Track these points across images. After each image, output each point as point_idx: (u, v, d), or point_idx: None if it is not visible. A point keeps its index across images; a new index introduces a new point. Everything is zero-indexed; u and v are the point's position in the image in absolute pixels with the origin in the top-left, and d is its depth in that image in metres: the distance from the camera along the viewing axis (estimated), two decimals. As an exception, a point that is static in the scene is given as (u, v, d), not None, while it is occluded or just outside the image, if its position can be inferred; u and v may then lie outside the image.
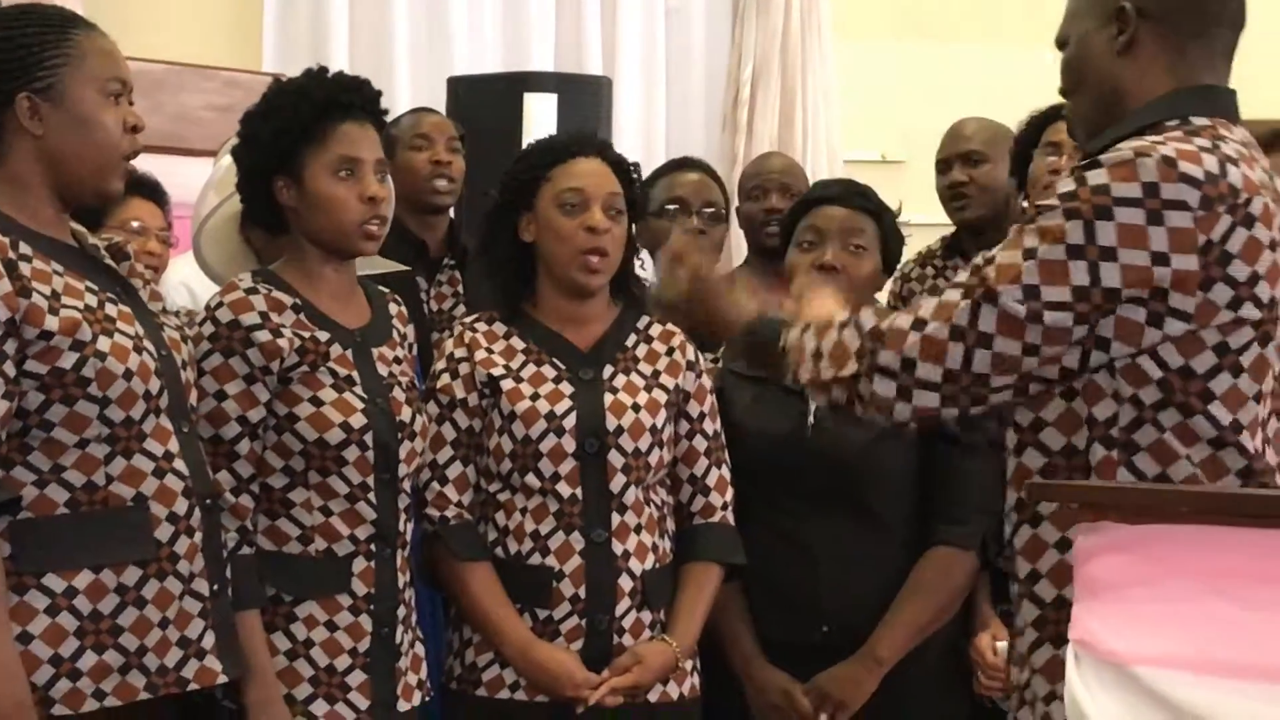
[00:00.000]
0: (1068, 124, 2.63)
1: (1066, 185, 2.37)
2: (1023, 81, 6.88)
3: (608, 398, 3.43)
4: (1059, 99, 4.31)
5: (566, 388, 3.43)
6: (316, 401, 3.15)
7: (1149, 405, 2.36)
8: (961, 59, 7.54)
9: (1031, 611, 2.49)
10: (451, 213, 4.85)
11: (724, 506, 3.53)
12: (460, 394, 3.43)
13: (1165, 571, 1.83)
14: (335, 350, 3.20)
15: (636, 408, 3.43)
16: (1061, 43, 2.58)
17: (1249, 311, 2.32)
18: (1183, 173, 2.30)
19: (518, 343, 3.48)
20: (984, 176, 4.60)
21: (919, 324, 2.42)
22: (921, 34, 7.68)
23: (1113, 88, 2.50)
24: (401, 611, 3.25)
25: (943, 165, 4.67)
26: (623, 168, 3.54)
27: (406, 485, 3.26)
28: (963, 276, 2.43)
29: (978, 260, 2.44)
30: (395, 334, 3.34)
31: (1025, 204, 4.44)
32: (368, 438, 3.17)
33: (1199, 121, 2.41)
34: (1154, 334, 2.33)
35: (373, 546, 3.19)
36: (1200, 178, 2.31)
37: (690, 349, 3.56)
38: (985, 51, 7.52)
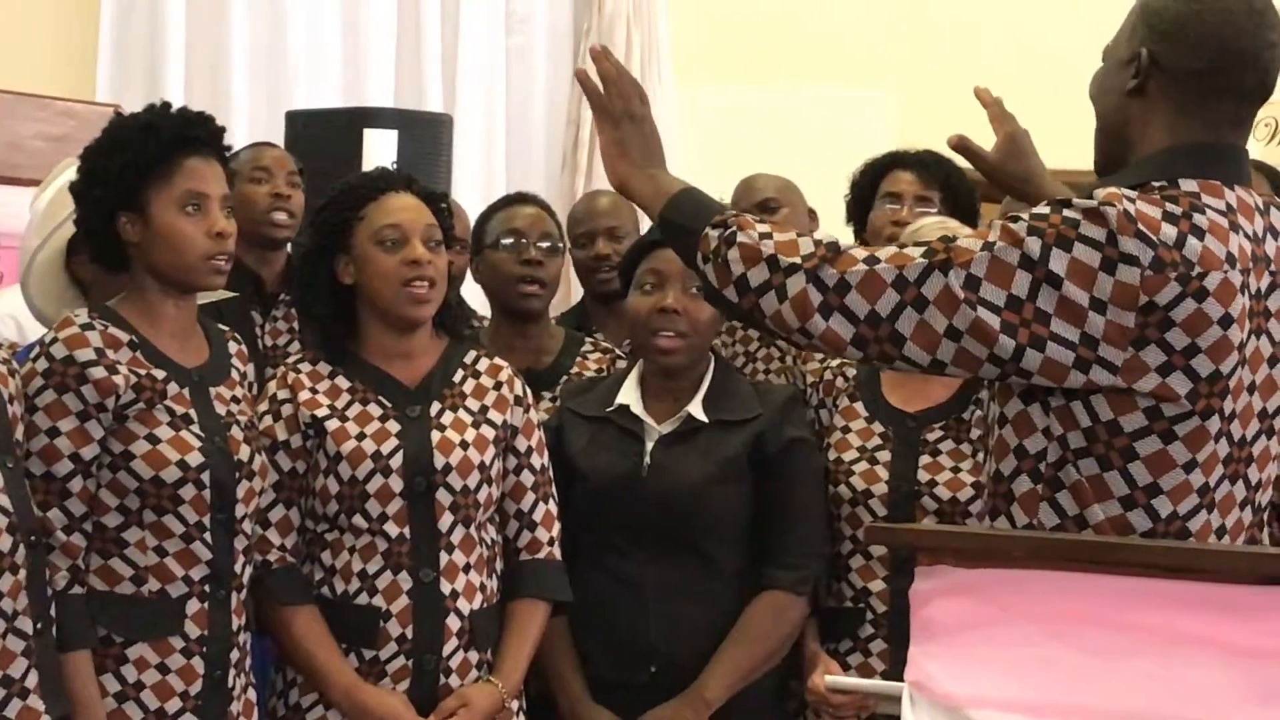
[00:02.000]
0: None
1: (1041, 209, 2.40)
2: (860, 124, 7.00)
3: (435, 435, 3.41)
4: (895, 144, 4.39)
5: (393, 426, 3.41)
6: (153, 439, 3.12)
7: (1073, 449, 2.39)
8: (800, 102, 7.61)
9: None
10: (289, 248, 4.81)
11: (550, 542, 3.52)
12: (282, 436, 3.40)
13: (1002, 615, 1.84)
14: (172, 388, 3.16)
15: (465, 445, 3.42)
16: (1104, 55, 2.59)
17: (1177, 381, 2.35)
18: (1139, 230, 2.33)
19: (343, 382, 3.45)
20: (784, 221, 4.65)
21: (872, 259, 2.42)
22: (761, 78, 7.75)
23: (1119, 126, 2.52)
24: (235, 655, 3.21)
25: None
26: (434, 200, 3.53)
27: (245, 526, 3.23)
28: (932, 238, 2.45)
29: (949, 234, 2.46)
30: (235, 373, 3.31)
31: None
32: (204, 476, 3.13)
33: (1186, 186, 2.43)
34: (1078, 376, 2.35)
35: (207, 588, 3.15)
36: (1155, 240, 2.33)
37: (518, 383, 3.55)
38: (824, 95, 7.60)
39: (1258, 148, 7.89)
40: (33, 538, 2.90)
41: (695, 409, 3.62)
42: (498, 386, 3.52)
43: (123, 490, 3.10)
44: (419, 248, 3.41)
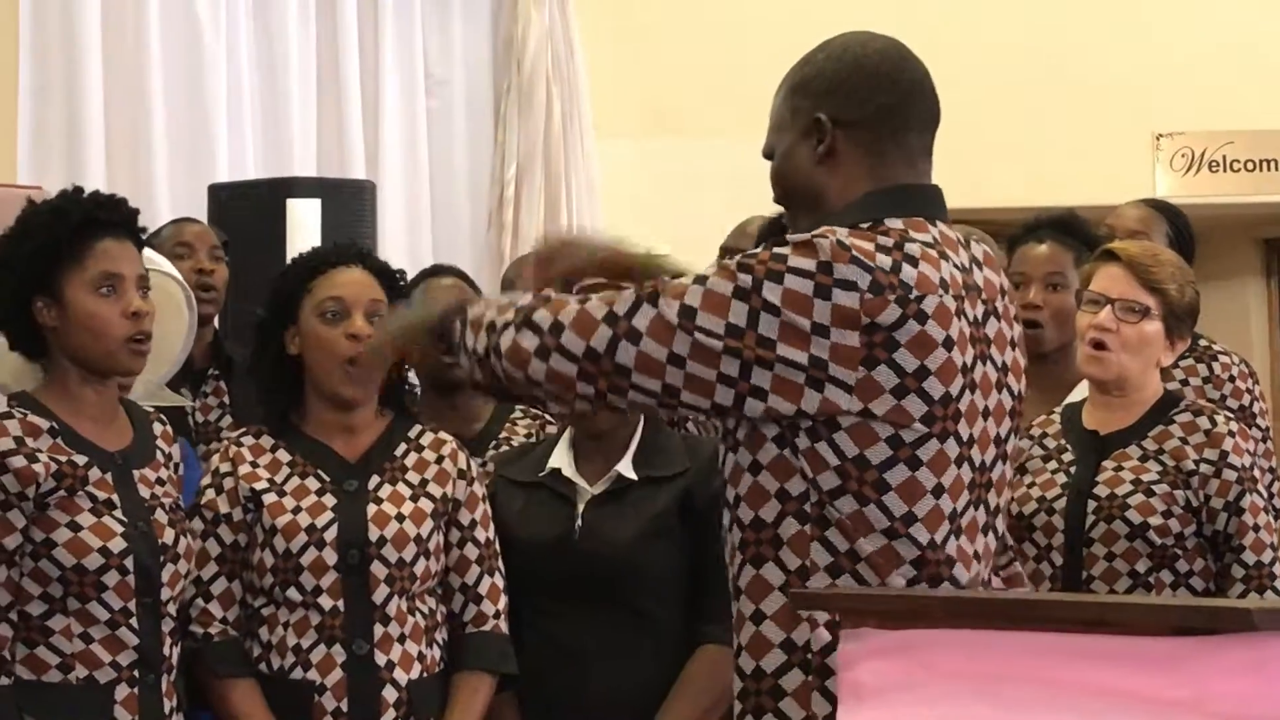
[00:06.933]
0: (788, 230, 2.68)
1: (753, 249, 2.46)
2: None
3: (371, 508, 3.41)
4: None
5: (329, 499, 3.41)
6: (74, 527, 3.10)
7: (826, 490, 2.42)
8: (719, 153, 7.66)
9: (736, 685, 2.54)
10: (216, 322, 4.81)
11: (496, 615, 3.52)
12: (224, 509, 3.41)
13: (928, 675, 1.86)
14: (94, 474, 3.15)
15: (401, 517, 3.42)
16: (768, 154, 2.65)
17: (912, 404, 2.39)
18: (854, 256, 2.38)
19: (283, 455, 3.47)
20: None
21: (583, 299, 2.48)
22: (680, 131, 7.80)
23: (817, 195, 2.57)
24: (168, 738, 3.19)
25: (726, 255, 4.68)
26: (385, 275, 3.55)
27: (171, 609, 3.21)
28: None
29: (662, 278, 2.50)
30: (159, 455, 3.30)
31: None
32: (128, 562, 3.12)
33: (891, 224, 2.48)
34: (813, 395, 2.38)
35: (136, 673, 3.13)
36: (871, 265, 2.39)
37: (462, 456, 3.56)
38: (745, 147, 7.64)
39: (1174, 178, 7.99)
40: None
41: (624, 467, 3.62)
42: (439, 460, 3.52)
43: (45, 578, 3.09)
44: (359, 321, 3.43)
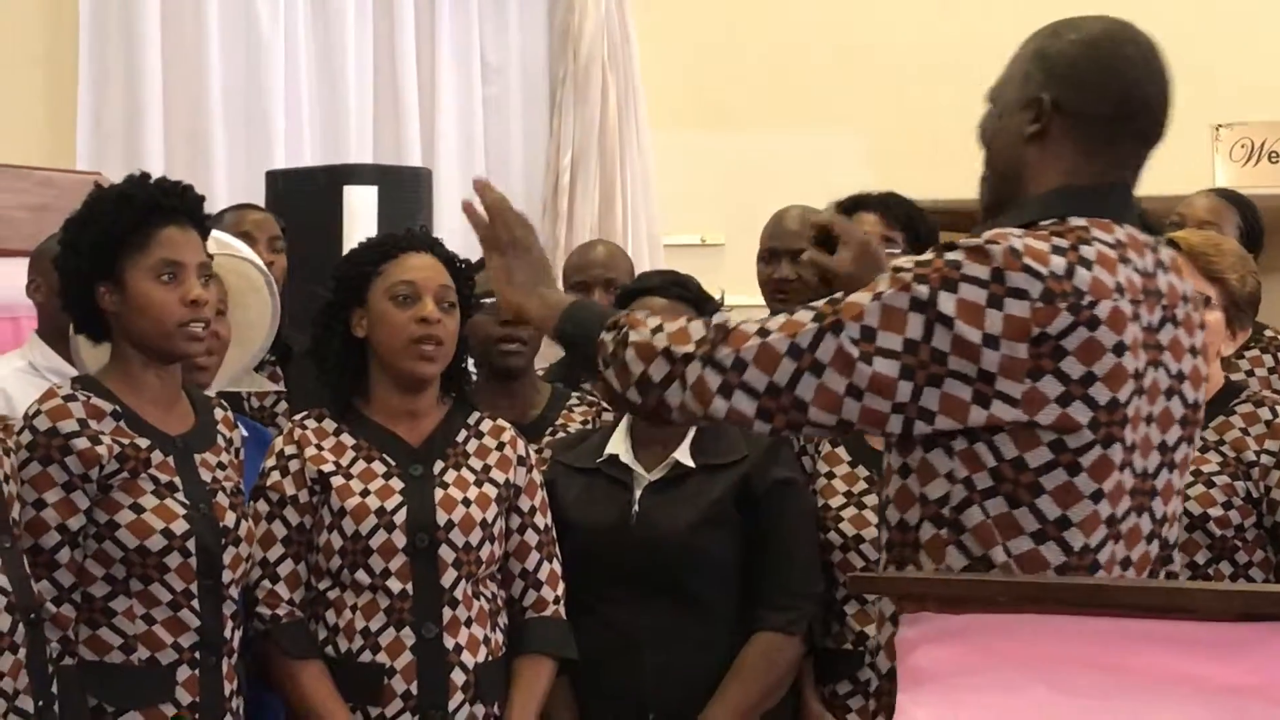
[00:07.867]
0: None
1: (926, 255, 2.42)
2: (829, 163, 7.04)
3: (438, 493, 3.43)
4: (868, 186, 4.39)
5: (397, 483, 3.43)
6: (137, 508, 3.12)
7: (979, 490, 2.40)
8: (775, 145, 7.66)
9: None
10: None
11: (556, 600, 3.54)
12: (291, 491, 3.43)
13: (990, 660, 1.85)
14: (156, 457, 3.17)
15: (467, 502, 3.44)
16: (992, 99, 2.60)
17: (1078, 410, 2.36)
18: (1025, 264, 2.35)
19: (348, 439, 3.49)
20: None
21: (764, 331, 2.45)
22: (736, 122, 7.80)
23: (1014, 169, 2.53)
24: (228, 720, 3.21)
25: (768, 255, 4.61)
26: (454, 264, 3.57)
27: (232, 591, 3.23)
28: (819, 302, 2.47)
29: (837, 294, 2.47)
30: (220, 439, 3.32)
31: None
32: (190, 544, 3.14)
33: (1075, 222, 2.45)
34: (979, 413, 2.36)
35: (197, 655, 3.15)
36: (1043, 272, 2.35)
37: (521, 443, 3.58)
38: (798, 138, 7.65)
39: (1234, 169, 7.94)
40: (32, 615, 2.90)
41: (682, 455, 3.63)
42: (500, 447, 3.55)
43: (109, 560, 3.11)
44: (430, 305, 3.45)
